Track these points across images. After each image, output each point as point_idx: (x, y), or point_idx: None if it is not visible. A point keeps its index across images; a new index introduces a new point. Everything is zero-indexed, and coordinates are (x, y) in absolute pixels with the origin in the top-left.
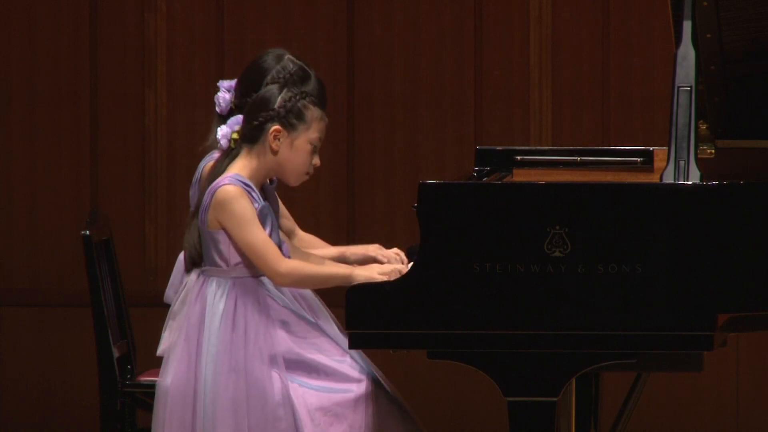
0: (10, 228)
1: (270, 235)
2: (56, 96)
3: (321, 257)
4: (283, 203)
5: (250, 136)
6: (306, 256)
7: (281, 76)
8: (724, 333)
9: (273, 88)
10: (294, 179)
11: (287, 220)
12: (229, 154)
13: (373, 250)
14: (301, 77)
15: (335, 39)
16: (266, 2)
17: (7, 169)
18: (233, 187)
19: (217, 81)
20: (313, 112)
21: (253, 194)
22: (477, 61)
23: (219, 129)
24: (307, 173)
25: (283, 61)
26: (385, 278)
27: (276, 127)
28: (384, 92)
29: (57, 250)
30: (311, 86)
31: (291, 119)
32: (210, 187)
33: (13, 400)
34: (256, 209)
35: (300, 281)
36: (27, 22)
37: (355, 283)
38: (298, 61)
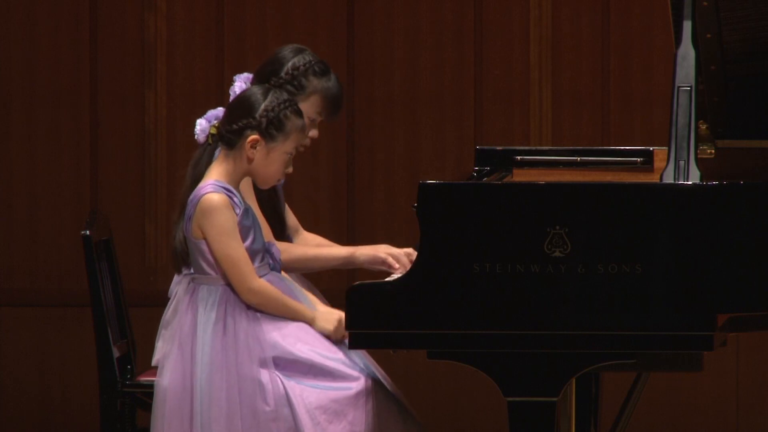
0: (10, 228)
1: (255, 238)
2: (56, 96)
3: (317, 255)
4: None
5: (228, 140)
6: (303, 252)
7: (300, 65)
8: (724, 333)
9: (257, 91)
10: (264, 185)
11: (291, 219)
12: (206, 150)
13: (383, 250)
14: (322, 70)
15: (335, 39)
16: (266, 2)
17: (7, 169)
18: (218, 195)
19: (217, 81)
20: (294, 123)
21: (235, 199)
22: (477, 61)
23: (198, 123)
24: (278, 180)
25: (303, 53)
26: (339, 333)
27: (254, 136)
28: (384, 92)
29: (57, 250)
30: (331, 82)
31: (271, 130)
32: (193, 194)
33: (13, 400)
34: (237, 215)
35: (265, 303)
36: (27, 22)
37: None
38: (317, 57)
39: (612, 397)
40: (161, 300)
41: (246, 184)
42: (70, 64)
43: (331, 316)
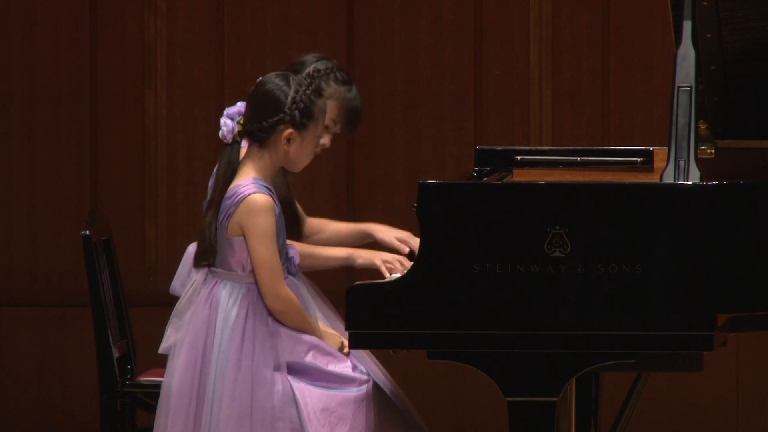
0: (10, 228)
1: (283, 241)
2: (56, 96)
3: (313, 253)
4: None
5: (259, 137)
6: (300, 249)
7: (322, 69)
8: (724, 333)
9: (280, 83)
10: (297, 170)
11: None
12: (234, 148)
13: (380, 257)
14: (343, 79)
15: (335, 39)
16: (266, 2)
17: (7, 169)
18: (263, 197)
19: (217, 81)
20: (319, 105)
21: (275, 198)
22: (477, 61)
23: (223, 124)
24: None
25: (327, 60)
26: (345, 349)
27: (289, 131)
28: (384, 92)
29: (57, 250)
30: (351, 94)
31: (303, 120)
32: (233, 192)
33: (13, 400)
34: (276, 214)
35: (286, 312)
36: (27, 22)
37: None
38: (341, 68)
39: (612, 397)
40: (161, 300)
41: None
42: (70, 64)
43: (335, 339)
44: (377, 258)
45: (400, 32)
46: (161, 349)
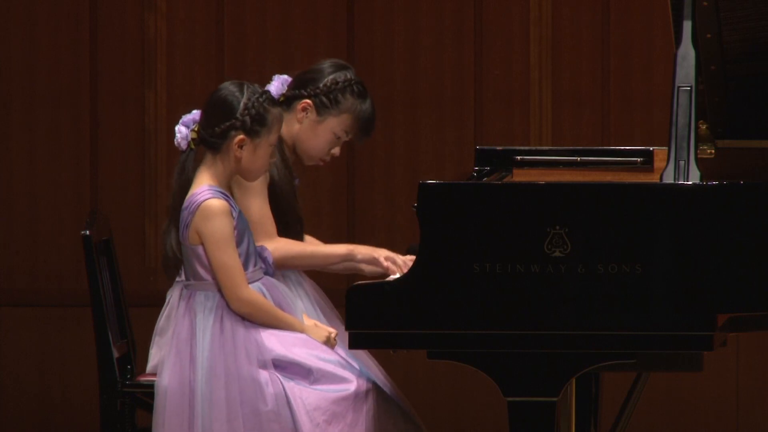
0: (10, 228)
1: (249, 241)
2: (56, 96)
3: (315, 252)
4: None
5: (212, 144)
6: (302, 248)
7: (340, 81)
8: (724, 333)
9: (233, 89)
10: (253, 179)
11: None
12: (189, 155)
13: (382, 253)
14: (360, 92)
15: (335, 39)
16: (266, 2)
17: (7, 169)
18: (218, 201)
19: (218, 81)
20: (273, 114)
21: (232, 203)
22: (477, 61)
23: (177, 130)
24: (265, 172)
25: (346, 71)
26: (329, 344)
27: (240, 137)
28: (384, 92)
29: (57, 250)
30: (366, 105)
31: (255, 126)
32: (188, 201)
33: (13, 400)
34: (234, 219)
35: (254, 313)
36: (27, 22)
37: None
38: (358, 78)
39: (612, 397)
40: (161, 300)
41: (261, 183)
42: (70, 64)
43: (320, 332)
44: (378, 252)
45: (400, 32)
46: (149, 369)
